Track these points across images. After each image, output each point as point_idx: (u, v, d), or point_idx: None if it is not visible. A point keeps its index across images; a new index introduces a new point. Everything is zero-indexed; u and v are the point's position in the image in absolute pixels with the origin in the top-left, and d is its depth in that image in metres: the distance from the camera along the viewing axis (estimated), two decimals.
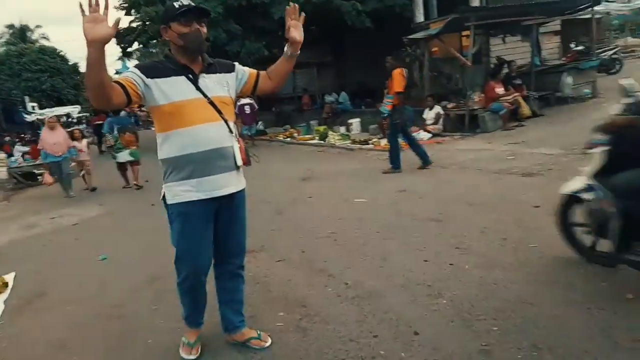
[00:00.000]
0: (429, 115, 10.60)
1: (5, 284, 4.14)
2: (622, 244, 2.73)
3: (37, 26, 45.01)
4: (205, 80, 2.28)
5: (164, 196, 2.36)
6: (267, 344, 2.60)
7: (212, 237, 2.42)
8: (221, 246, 2.49)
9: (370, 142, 10.53)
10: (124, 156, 8.52)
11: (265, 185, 7.21)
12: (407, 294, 3.03)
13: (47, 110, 34.01)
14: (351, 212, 5.14)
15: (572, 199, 3.13)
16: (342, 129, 13.53)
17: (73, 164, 9.18)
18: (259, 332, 2.65)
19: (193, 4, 2.23)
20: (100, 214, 7.03)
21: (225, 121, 2.28)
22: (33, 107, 35.36)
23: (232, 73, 2.44)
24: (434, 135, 10.18)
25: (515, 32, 11.69)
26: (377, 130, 11.74)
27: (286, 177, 7.82)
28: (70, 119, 32.59)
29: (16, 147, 16.90)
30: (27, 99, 37.06)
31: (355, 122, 13.54)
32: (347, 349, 2.48)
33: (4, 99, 33.16)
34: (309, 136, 13.44)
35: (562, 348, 2.26)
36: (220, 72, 2.37)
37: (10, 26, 44.86)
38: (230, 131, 2.30)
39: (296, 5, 2.34)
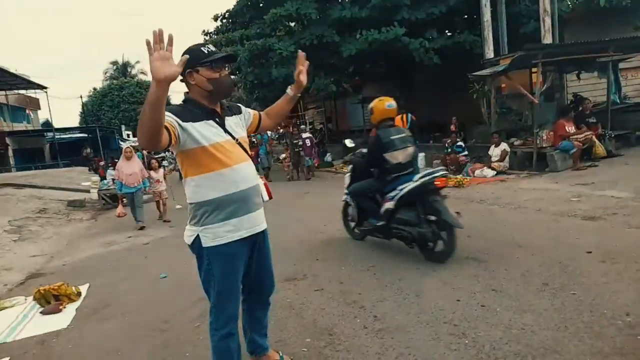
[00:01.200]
0: (494, 152, 10.36)
1: (79, 293, 4.70)
2: (359, 222, 5.44)
3: (137, 62, 49.78)
4: (230, 122, 2.41)
5: (194, 241, 2.36)
6: None
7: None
8: (255, 281, 2.59)
9: None
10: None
11: (319, 216, 7.47)
12: (431, 331, 3.06)
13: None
14: (394, 248, 5.18)
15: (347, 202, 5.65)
16: None
17: (146, 196, 9.62)
18: (281, 355, 2.83)
19: (218, 51, 2.35)
20: (170, 235, 7.63)
21: (252, 159, 2.47)
22: (128, 135, 38.98)
23: (242, 114, 2.59)
24: (499, 172, 9.92)
25: (591, 68, 11.16)
26: (440, 165, 11.64)
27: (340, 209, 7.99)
28: None
29: (109, 171, 18.66)
30: (123, 127, 40.97)
31: (420, 156, 13.46)
32: None
33: (105, 127, 36.95)
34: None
35: None
36: (235, 114, 2.51)
37: (114, 62, 50.10)
38: (256, 170, 2.53)
39: (304, 53, 2.63)
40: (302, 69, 2.62)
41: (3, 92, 28.30)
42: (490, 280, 3.87)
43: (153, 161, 9.58)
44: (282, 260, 5.13)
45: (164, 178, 9.50)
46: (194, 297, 4.23)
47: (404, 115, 9.13)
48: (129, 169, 8.39)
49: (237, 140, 2.40)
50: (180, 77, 2.17)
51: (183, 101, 2.39)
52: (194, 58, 2.24)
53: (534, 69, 11.10)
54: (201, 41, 18.87)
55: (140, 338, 3.54)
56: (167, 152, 28.24)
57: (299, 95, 2.67)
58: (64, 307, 4.39)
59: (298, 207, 8.76)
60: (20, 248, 7.48)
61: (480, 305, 3.39)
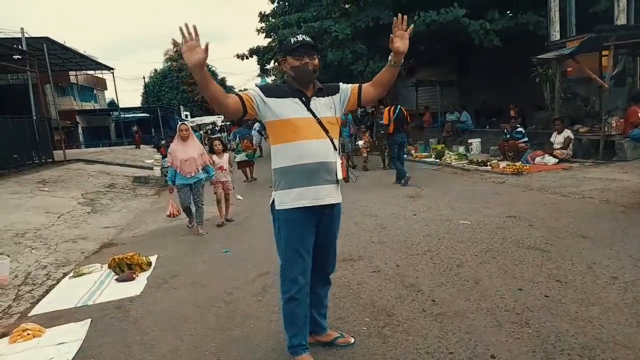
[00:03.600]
0: (557, 139, 9.91)
1: (150, 263, 5.03)
2: None
3: None
4: (316, 102, 2.61)
5: (272, 203, 2.64)
6: (352, 341, 2.88)
7: (312, 249, 2.64)
8: (319, 256, 2.73)
9: (488, 163, 10.18)
10: (241, 157, 11.59)
11: (373, 200, 7.50)
12: (492, 319, 3.06)
13: (197, 118, 38.63)
14: (452, 233, 5.16)
15: None
16: (462, 149, 13.24)
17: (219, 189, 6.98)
18: (341, 333, 2.93)
19: (307, 38, 2.58)
20: (232, 212, 7.85)
21: (331, 139, 2.60)
22: (186, 115, 40.45)
23: (338, 94, 2.74)
24: (561, 160, 9.49)
25: None
26: (498, 151, 11.30)
27: (395, 194, 8.00)
28: (215, 127, 36.43)
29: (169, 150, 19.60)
30: (182, 108, 42.48)
31: (475, 142, 13.15)
32: None
33: (165, 107, 38.48)
34: (426, 154, 13.39)
35: None
36: (328, 96, 2.69)
37: (175, 44, 51.65)
38: (335, 148, 2.62)
39: (404, 16, 2.56)
40: (397, 34, 2.57)
41: (74, 73, 30.00)
42: (554, 271, 3.79)
43: (216, 143, 7.11)
44: (339, 242, 5.23)
45: (230, 165, 7.18)
46: (256, 272, 4.44)
47: (392, 107, 9.56)
48: (185, 153, 6.21)
49: (317, 119, 2.57)
50: (281, 59, 2.70)
51: (282, 81, 2.70)
52: (285, 48, 2.63)
53: (604, 52, 10.45)
54: (257, 23, 19.19)
55: (207, 308, 3.76)
56: (223, 133, 29.11)
57: (401, 62, 2.63)
58: (137, 276, 4.73)
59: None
60: (94, 219, 8.04)
61: (544, 296, 3.33)
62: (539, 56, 10.89)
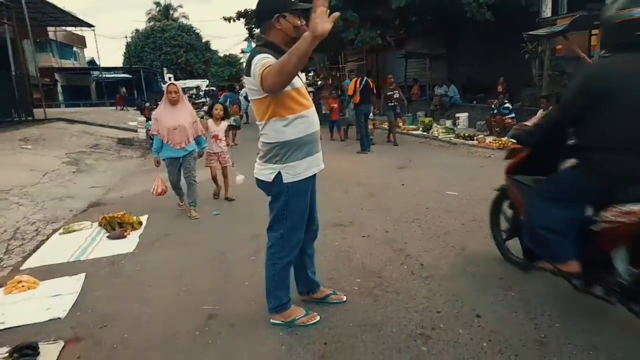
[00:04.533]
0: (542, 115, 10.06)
1: (140, 223, 5.06)
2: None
3: (179, 6, 49.73)
4: None
5: (275, 178, 2.51)
6: (345, 298, 3.00)
7: None
8: (310, 218, 2.80)
9: (475, 137, 10.33)
10: (229, 121, 10.97)
11: (362, 170, 7.59)
12: (478, 282, 3.21)
13: (181, 81, 37.85)
14: (440, 203, 5.30)
15: None
16: (449, 123, 13.35)
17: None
18: (334, 290, 3.06)
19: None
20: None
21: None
22: (169, 78, 39.54)
23: None
24: None
25: None
26: (485, 126, 11.45)
27: (384, 164, 8.10)
28: (199, 92, 35.78)
29: (153, 112, 19.26)
30: (165, 70, 41.50)
31: (462, 117, 13.27)
32: (410, 318, 2.78)
33: (147, 69, 37.52)
34: (414, 127, 13.48)
35: (622, 352, 2.33)
36: None
37: (157, 3, 50.06)
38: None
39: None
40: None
41: (52, 28, 28.90)
42: None
43: (218, 107, 6.02)
44: (328, 207, 5.33)
45: (227, 134, 6.21)
46: (247, 234, 4.52)
47: (359, 79, 9.99)
48: (174, 120, 5.11)
49: (305, 85, 2.59)
50: (268, 21, 2.44)
51: (262, 45, 2.47)
52: (283, 3, 2.43)
53: (594, 31, 10.53)
54: None
55: (201, 266, 3.84)
56: (207, 98, 28.63)
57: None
58: (128, 234, 4.76)
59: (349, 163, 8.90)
60: (80, 179, 7.96)
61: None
62: (530, 32, 10.91)
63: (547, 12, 12.31)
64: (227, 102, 12.13)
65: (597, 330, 2.53)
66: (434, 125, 12.40)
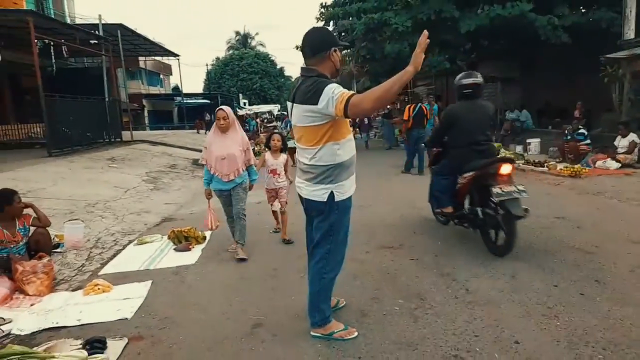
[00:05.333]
0: (621, 143, 9.48)
1: (204, 238, 5.46)
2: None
3: (256, 34, 52.53)
4: None
5: (330, 197, 2.72)
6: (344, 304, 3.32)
7: None
8: None
9: (545, 164, 9.90)
10: (291, 143, 11.24)
11: (420, 192, 7.57)
12: (522, 309, 3.16)
13: (255, 106, 39.72)
14: None
15: None
16: (519, 148, 12.90)
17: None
18: (337, 299, 3.34)
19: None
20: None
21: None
22: (244, 103, 41.66)
23: None
24: (625, 165, 9.08)
25: None
26: (557, 153, 10.93)
27: None
28: (272, 116, 37.29)
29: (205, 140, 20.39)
30: (240, 96, 43.73)
31: (534, 142, 12.76)
32: (447, 340, 2.81)
33: (225, 95, 39.82)
34: None
35: None
36: None
37: (237, 33, 53.23)
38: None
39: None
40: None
41: (142, 58, 31.68)
42: (594, 272, 3.79)
43: (276, 137, 5.46)
44: (380, 230, 5.42)
45: (286, 167, 5.48)
46: (299, 252, 4.70)
47: (412, 106, 10.47)
48: (223, 148, 4.66)
49: None
50: (324, 52, 2.71)
51: (316, 76, 2.69)
52: (335, 39, 2.84)
53: None
54: (317, 13, 19.38)
55: (253, 280, 4.09)
56: (279, 122, 29.78)
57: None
58: (193, 247, 5.16)
59: (397, 184, 8.92)
60: (156, 196, 8.67)
61: (578, 293, 3.37)
62: (608, 55, 10.41)
63: (629, 33, 11.65)
64: (289, 127, 12.78)
65: None
66: (502, 150, 12.02)
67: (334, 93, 2.51)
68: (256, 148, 18.36)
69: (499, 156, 4.77)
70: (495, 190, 4.13)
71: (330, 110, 2.52)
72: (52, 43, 17.15)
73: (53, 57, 18.94)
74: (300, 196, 2.95)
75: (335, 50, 2.74)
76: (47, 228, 4.64)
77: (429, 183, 5.42)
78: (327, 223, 2.80)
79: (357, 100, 2.43)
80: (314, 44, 2.75)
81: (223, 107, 4.80)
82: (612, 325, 2.86)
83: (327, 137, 2.66)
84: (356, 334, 2.93)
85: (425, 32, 2.42)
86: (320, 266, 2.89)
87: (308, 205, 2.88)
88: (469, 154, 4.60)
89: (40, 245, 4.50)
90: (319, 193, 2.75)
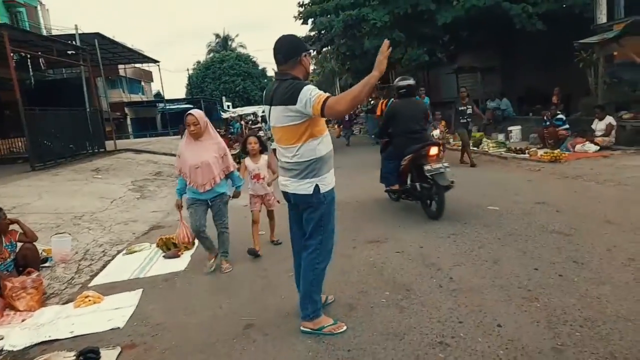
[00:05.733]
0: (598, 126, 9.69)
1: (193, 243, 5.46)
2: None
3: (236, 35, 52.23)
4: None
5: (314, 190, 2.86)
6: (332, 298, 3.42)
7: None
8: None
9: (526, 151, 10.08)
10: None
11: None
12: (503, 294, 3.26)
13: (239, 108, 39.55)
14: (479, 218, 5.31)
15: None
16: (501, 137, 13.09)
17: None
18: (327, 296, 3.44)
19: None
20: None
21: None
22: (228, 106, 41.46)
23: None
24: (603, 148, 9.29)
25: None
26: (537, 139, 11.13)
27: None
28: (256, 118, 37.18)
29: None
30: (224, 99, 43.51)
31: (515, 130, 12.98)
32: (432, 327, 2.90)
33: (208, 98, 39.62)
34: (457, 143, 13.30)
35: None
36: None
37: (217, 35, 52.87)
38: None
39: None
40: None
41: (122, 66, 31.41)
42: (572, 253, 3.92)
43: (252, 141, 5.04)
44: (367, 225, 5.51)
45: (269, 168, 5.03)
46: (287, 253, 4.76)
47: (385, 101, 10.90)
48: (196, 156, 4.29)
49: None
50: (295, 58, 2.87)
51: (291, 79, 2.84)
52: (304, 45, 2.99)
53: None
54: (295, 12, 19.43)
55: (243, 282, 4.15)
56: (263, 123, 29.71)
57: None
58: (182, 254, 5.19)
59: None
60: (143, 204, 8.66)
61: (557, 275, 3.50)
62: (581, 41, 10.61)
63: (602, 18, 11.85)
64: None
65: (618, 340, 2.53)
66: (484, 139, 12.21)
67: (311, 94, 2.66)
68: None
69: (429, 141, 5.72)
70: (427, 167, 5.34)
71: (308, 110, 2.68)
72: (28, 55, 16.93)
73: (30, 69, 18.71)
74: (285, 193, 3.07)
75: (305, 55, 2.91)
76: (34, 243, 4.65)
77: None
78: (317, 214, 2.95)
79: (332, 103, 2.61)
80: (285, 51, 2.89)
81: (193, 111, 4.36)
82: (589, 304, 2.97)
83: (307, 135, 2.83)
84: (345, 328, 3.01)
85: (387, 41, 2.63)
86: (313, 257, 3.02)
87: (296, 200, 3.01)
88: (407, 141, 5.69)
89: (28, 260, 4.51)
90: (305, 187, 2.90)
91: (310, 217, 2.97)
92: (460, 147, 10.34)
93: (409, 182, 5.84)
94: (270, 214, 5.22)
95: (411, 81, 6.14)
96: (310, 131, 2.83)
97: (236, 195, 4.77)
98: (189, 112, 4.33)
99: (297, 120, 2.78)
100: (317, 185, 2.88)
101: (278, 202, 4.94)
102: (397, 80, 6.21)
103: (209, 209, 4.48)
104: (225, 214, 4.57)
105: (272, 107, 2.90)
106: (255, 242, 4.94)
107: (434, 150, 5.44)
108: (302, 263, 3.09)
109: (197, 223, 4.39)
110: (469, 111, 9.74)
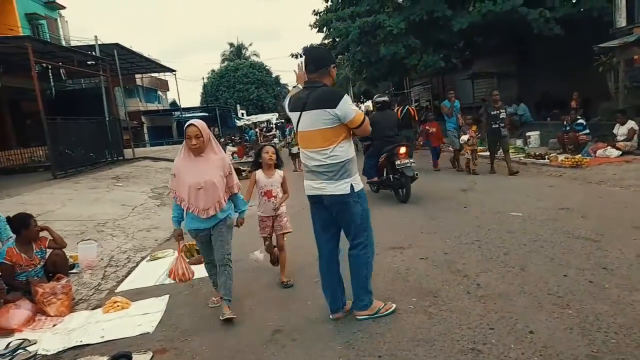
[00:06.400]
0: (620, 130, 9.56)
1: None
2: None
3: (250, 44, 52.71)
4: None
5: (351, 188, 3.07)
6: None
7: None
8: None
9: (546, 156, 9.98)
10: (295, 149, 12.67)
11: (425, 193, 7.66)
12: (534, 301, 3.23)
13: (253, 116, 39.86)
14: (502, 225, 5.27)
15: None
16: (519, 142, 12.98)
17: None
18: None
19: None
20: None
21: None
22: (242, 114, 41.80)
23: None
24: (625, 153, 9.15)
25: None
26: (557, 144, 11.01)
27: (448, 187, 8.10)
28: (270, 125, 37.48)
29: (228, 147, 20.55)
30: (238, 106, 43.90)
31: (534, 135, 12.85)
32: (463, 334, 2.88)
33: (223, 106, 40.01)
34: (482, 147, 13.20)
35: None
36: None
37: (231, 44, 53.46)
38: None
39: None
40: None
41: (139, 75, 31.90)
42: (601, 259, 3.86)
43: (268, 150, 4.28)
44: (385, 231, 5.49)
45: (284, 187, 4.34)
46: (313, 257, 4.76)
47: (401, 108, 10.67)
48: (197, 175, 3.56)
49: None
50: (325, 68, 3.14)
51: (322, 86, 3.11)
52: (333, 57, 3.37)
53: None
54: (309, 20, 19.58)
55: (269, 287, 4.19)
56: (278, 131, 29.90)
57: None
58: None
59: None
60: (163, 212, 8.75)
61: (588, 281, 3.45)
62: (601, 45, 10.50)
63: (621, 21, 11.72)
64: (293, 134, 13.46)
65: None
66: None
67: (352, 106, 3.04)
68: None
69: (400, 143, 7.21)
70: (397, 162, 6.96)
71: (348, 117, 2.99)
72: (49, 66, 17.32)
73: (52, 80, 19.09)
74: (314, 197, 3.22)
75: (333, 67, 3.20)
76: (63, 249, 4.74)
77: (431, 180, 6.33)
78: (357, 211, 3.13)
79: (367, 123, 3.10)
80: (317, 61, 3.16)
81: (194, 121, 3.54)
82: (622, 310, 2.93)
83: (341, 137, 3.05)
84: (394, 306, 3.32)
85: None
86: (364, 252, 3.21)
87: (332, 201, 3.13)
88: (384, 143, 7.31)
89: (58, 266, 4.59)
90: (342, 187, 3.07)
91: (350, 217, 3.15)
92: (489, 155, 9.74)
93: (384, 175, 7.38)
94: (280, 243, 4.29)
95: (385, 98, 8.31)
96: (344, 134, 3.07)
97: (241, 221, 3.89)
98: (189, 122, 3.54)
99: (333, 124, 3.00)
100: (351, 185, 3.07)
101: (289, 231, 4.35)
102: (375, 96, 8.65)
103: (211, 237, 3.67)
104: (229, 241, 3.70)
105: (305, 112, 3.09)
106: (282, 271, 4.30)
107: (402, 150, 7.07)
108: (351, 261, 3.24)
109: (209, 256, 3.81)
110: (502, 115, 9.04)
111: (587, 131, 10.44)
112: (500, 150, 9.27)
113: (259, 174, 4.28)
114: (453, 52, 16.81)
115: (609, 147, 9.45)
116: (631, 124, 9.44)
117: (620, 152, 9.16)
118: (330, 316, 3.33)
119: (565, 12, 13.28)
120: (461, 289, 3.60)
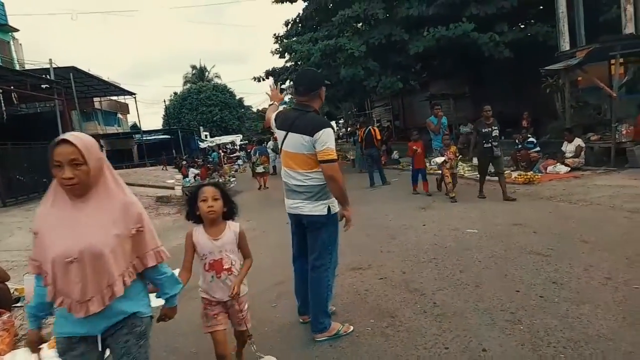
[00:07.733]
0: (568, 148, 10.03)
1: None
2: None
3: (212, 66, 52.51)
4: None
5: (328, 210, 3.14)
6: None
7: None
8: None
9: None
10: (259, 169, 14.05)
11: (385, 212, 7.74)
12: (487, 318, 3.28)
13: (217, 137, 39.50)
14: (459, 242, 5.37)
15: None
16: (475, 160, 13.35)
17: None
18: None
19: None
20: (247, 228, 8.22)
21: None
22: (205, 135, 41.37)
23: None
24: (573, 169, 9.59)
25: None
26: (510, 162, 11.42)
27: (406, 206, 8.21)
28: (234, 146, 37.23)
29: (190, 169, 20.27)
30: (201, 128, 43.45)
31: None
32: (418, 355, 2.89)
33: (185, 129, 39.49)
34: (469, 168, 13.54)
35: None
36: None
37: (194, 67, 53.12)
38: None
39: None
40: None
41: (98, 99, 31.18)
42: (552, 274, 3.99)
43: (207, 191, 2.66)
44: (349, 252, 5.50)
45: (242, 247, 2.86)
46: (272, 281, 4.73)
47: (363, 129, 12.27)
48: (72, 235, 1.78)
49: None
50: (316, 91, 3.22)
51: (312, 112, 3.20)
52: (323, 79, 3.42)
53: (612, 61, 10.57)
54: (271, 45, 19.80)
55: None
56: (242, 152, 29.71)
57: None
58: None
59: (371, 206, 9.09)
60: None
61: (538, 296, 3.54)
62: (547, 67, 11.09)
63: (565, 45, 12.42)
64: (257, 154, 14.52)
65: (598, 358, 2.56)
66: (459, 164, 12.42)
67: (329, 142, 3.02)
68: (222, 179, 18.25)
69: None
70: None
71: (317, 147, 3.01)
72: (1, 90, 16.67)
73: (3, 104, 18.36)
74: (294, 216, 3.30)
75: (322, 89, 3.27)
76: (5, 282, 4.48)
77: (392, 199, 5.63)
78: (328, 233, 3.21)
79: (334, 170, 3.02)
80: (307, 84, 3.23)
81: (71, 135, 1.89)
82: (570, 324, 3.02)
83: (312, 165, 3.10)
84: (352, 328, 3.33)
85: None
86: (326, 274, 3.23)
87: (310, 221, 3.19)
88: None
89: None
90: (320, 208, 3.14)
91: (321, 237, 3.20)
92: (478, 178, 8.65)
93: None
94: (240, 337, 2.93)
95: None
96: (313, 163, 3.10)
97: (170, 313, 2.28)
98: (60, 137, 1.88)
99: (311, 150, 3.06)
100: (329, 207, 3.14)
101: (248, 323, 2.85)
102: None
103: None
104: (143, 345, 1.97)
105: (290, 133, 3.15)
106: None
107: None
108: (312, 282, 3.25)
109: None
110: (495, 133, 7.90)
111: (538, 149, 10.92)
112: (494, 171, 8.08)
113: (199, 233, 2.73)
114: (411, 74, 17.33)
115: (558, 163, 9.89)
116: (578, 141, 9.93)
117: (569, 168, 9.60)
118: (300, 320, 3.48)
119: (513, 37, 13.98)
120: (418, 308, 3.62)
